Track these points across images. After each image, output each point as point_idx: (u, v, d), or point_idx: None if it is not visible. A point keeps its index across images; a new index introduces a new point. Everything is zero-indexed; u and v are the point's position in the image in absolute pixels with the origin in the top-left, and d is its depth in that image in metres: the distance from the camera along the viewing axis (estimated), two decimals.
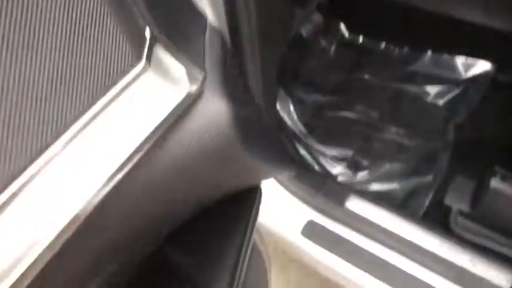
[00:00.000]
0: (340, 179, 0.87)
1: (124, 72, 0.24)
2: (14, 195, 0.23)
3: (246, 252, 0.40)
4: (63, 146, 0.24)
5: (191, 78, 0.26)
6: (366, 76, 0.98)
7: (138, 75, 0.25)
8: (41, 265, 0.24)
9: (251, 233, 0.42)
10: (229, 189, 0.38)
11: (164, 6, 0.27)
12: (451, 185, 0.77)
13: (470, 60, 0.90)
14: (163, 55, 0.26)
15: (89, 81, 0.23)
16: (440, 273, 0.66)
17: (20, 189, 0.23)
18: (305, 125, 0.93)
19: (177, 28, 0.28)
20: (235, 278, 0.38)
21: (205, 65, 0.27)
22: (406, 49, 0.98)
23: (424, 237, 0.69)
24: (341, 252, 0.73)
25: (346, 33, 1.03)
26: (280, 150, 0.38)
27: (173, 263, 0.37)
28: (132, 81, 0.24)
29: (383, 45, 1.00)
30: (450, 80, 0.90)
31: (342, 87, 0.97)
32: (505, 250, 0.69)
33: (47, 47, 0.22)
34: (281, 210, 0.79)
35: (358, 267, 0.71)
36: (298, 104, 0.95)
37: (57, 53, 0.22)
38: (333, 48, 1.02)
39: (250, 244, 0.42)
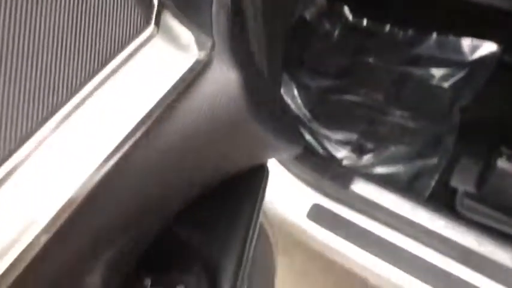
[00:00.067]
0: (345, 162, 0.87)
1: (132, 38, 0.24)
2: (13, 170, 0.23)
3: (253, 230, 0.40)
4: (66, 117, 0.23)
5: (199, 45, 0.26)
6: (370, 59, 0.97)
7: (146, 41, 0.24)
8: (38, 246, 0.23)
9: (258, 212, 0.42)
10: (238, 166, 0.38)
11: None
12: (456, 166, 0.76)
13: (476, 41, 0.89)
14: (171, 21, 0.25)
15: (95, 47, 0.23)
16: (446, 253, 0.67)
17: (18, 165, 0.23)
18: (309, 109, 0.93)
19: None
20: (243, 255, 0.38)
21: (213, 33, 0.27)
22: (410, 32, 0.97)
23: (430, 219, 0.69)
24: (347, 235, 0.73)
25: (350, 16, 1.02)
26: (288, 124, 0.38)
27: (182, 240, 0.38)
28: (140, 47, 0.24)
29: (387, 28, 0.99)
30: (456, 62, 0.90)
31: (346, 70, 0.97)
32: (511, 230, 0.69)
33: (50, 10, 0.21)
34: (286, 194, 0.79)
35: (364, 249, 0.72)
36: (302, 88, 0.95)
37: (61, 16, 0.22)
38: (336, 31, 1.01)
39: (258, 223, 0.42)
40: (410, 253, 0.69)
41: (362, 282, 0.81)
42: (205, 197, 0.40)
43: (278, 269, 0.66)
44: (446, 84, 0.90)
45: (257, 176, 0.44)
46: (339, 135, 0.89)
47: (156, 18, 0.25)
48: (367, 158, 0.86)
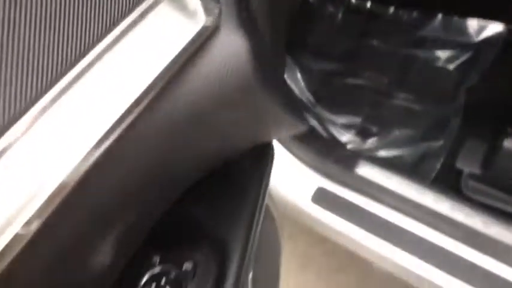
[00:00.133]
0: (349, 146, 0.86)
1: (138, 3, 0.23)
2: (15, 140, 0.22)
3: (260, 209, 0.40)
4: (69, 86, 0.23)
5: (207, 11, 0.25)
6: (375, 42, 0.96)
7: (152, 7, 0.24)
8: (41, 218, 0.23)
9: (265, 191, 0.42)
10: (244, 141, 0.38)
11: None
12: (462, 148, 0.76)
13: (482, 22, 0.88)
14: None
15: (100, 13, 0.22)
16: (451, 235, 0.66)
17: (21, 135, 0.22)
18: (313, 93, 0.92)
19: None
20: (251, 234, 0.38)
21: (220, 1, 0.26)
22: (415, 13, 0.95)
23: (435, 201, 0.69)
24: (352, 218, 0.73)
25: None
26: (294, 101, 0.37)
27: (190, 217, 0.37)
28: (145, 13, 0.23)
29: (391, 10, 0.97)
30: (461, 44, 0.89)
31: (350, 53, 0.96)
32: None
33: None
34: (291, 177, 0.79)
35: (369, 232, 0.72)
36: (306, 72, 0.94)
37: None
38: (340, 14, 1.00)
39: (264, 202, 0.42)
40: (415, 235, 0.69)
41: (367, 265, 0.81)
42: (212, 176, 0.39)
43: (282, 253, 0.66)
44: (451, 66, 0.89)
45: (263, 155, 0.43)
46: (343, 119, 0.88)
47: None
48: (371, 142, 0.85)
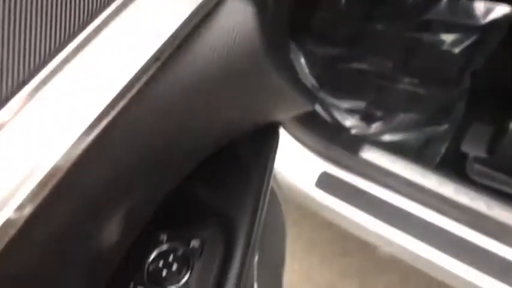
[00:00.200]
0: (353, 131, 0.86)
1: None
2: (4, 123, 0.22)
3: (266, 189, 0.40)
4: (72, 55, 0.23)
5: None
6: (379, 26, 0.95)
7: None
8: (34, 203, 0.22)
9: (270, 172, 0.42)
10: (250, 118, 0.38)
11: None
12: (467, 132, 0.75)
13: (488, 4, 0.87)
14: None
15: None
16: (456, 218, 0.66)
17: (11, 117, 0.22)
18: (316, 78, 0.91)
19: None
20: (257, 213, 0.38)
21: None
22: None
23: (440, 184, 0.69)
24: (357, 202, 0.73)
25: None
26: (299, 79, 0.37)
27: (197, 196, 0.38)
28: None
29: None
30: (467, 27, 0.87)
31: (354, 38, 0.95)
32: None
33: None
34: (294, 163, 0.79)
35: (374, 216, 0.72)
36: (310, 56, 0.93)
37: None
38: None
39: (270, 182, 0.42)
40: (420, 219, 0.69)
41: (371, 250, 0.81)
42: (219, 157, 0.39)
43: (287, 239, 0.66)
44: (456, 50, 0.88)
45: (269, 136, 0.43)
46: (347, 104, 0.88)
47: None
48: (376, 126, 0.85)
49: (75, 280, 0.31)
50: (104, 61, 0.24)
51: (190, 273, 0.33)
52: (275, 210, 0.58)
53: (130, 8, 0.23)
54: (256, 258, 0.48)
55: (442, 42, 0.89)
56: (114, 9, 0.23)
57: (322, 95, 0.90)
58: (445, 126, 0.81)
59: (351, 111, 0.87)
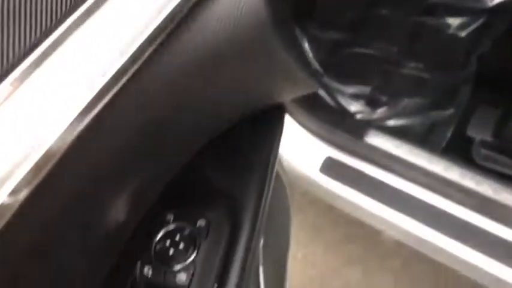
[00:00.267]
0: (358, 116, 0.85)
1: None
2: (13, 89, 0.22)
3: (271, 170, 0.40)
4: (71, 29, 0.22)
5: None
6: (384, 11, 0.94)
7: None
8: (30, 186, 0.22)
9: (276, 153, 0.42)
10: (256, 98, 0.38)
11: None
12: (473, 116, 0.75)
13: None
14: None
15: None
16: (462, 203, 0.66)
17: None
18: (321, 63, 0.91)
19: None
20: (263, 194, 0.38)
21: None
22: None
23: (446, 169, 0.68)
24: (361, 187, 0.73)
25: None
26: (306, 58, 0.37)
27: (203, 176, 0.37)
28: None
29: None
30: (474, 10, 0.86)
31: (359, 22, 0.94)
32: None
33: None
34: (299, 148, 0.79)
35: (379, 201, 0.72)
36: (314, 42, 0.92)
37: None
38: None
39: (276, 164, 0.42)
40: (426, 203, 0.69)
41: (375, 235, 0.81)
42: (225, 138, 0.39)
43: (292, 226, 0.66)
44: (463, 34, 0.86)
45: (274, 121, 0.43)
46: (352, 89, 0.87)
47: None
48: (381, 111, 0.84)
49: (78, 262, 0.31)
50: (106, 34, 0.23)
51: (197, 253, 0.33)
52: (280, 195, 0.58)
53: None
54: (262, 242, 0.48)
55: (448, 26, 0.88)
56: None
57: (326, 80, 0.89)
58: (450, 111, 0.80)
59: (355, 96, 0.87)
